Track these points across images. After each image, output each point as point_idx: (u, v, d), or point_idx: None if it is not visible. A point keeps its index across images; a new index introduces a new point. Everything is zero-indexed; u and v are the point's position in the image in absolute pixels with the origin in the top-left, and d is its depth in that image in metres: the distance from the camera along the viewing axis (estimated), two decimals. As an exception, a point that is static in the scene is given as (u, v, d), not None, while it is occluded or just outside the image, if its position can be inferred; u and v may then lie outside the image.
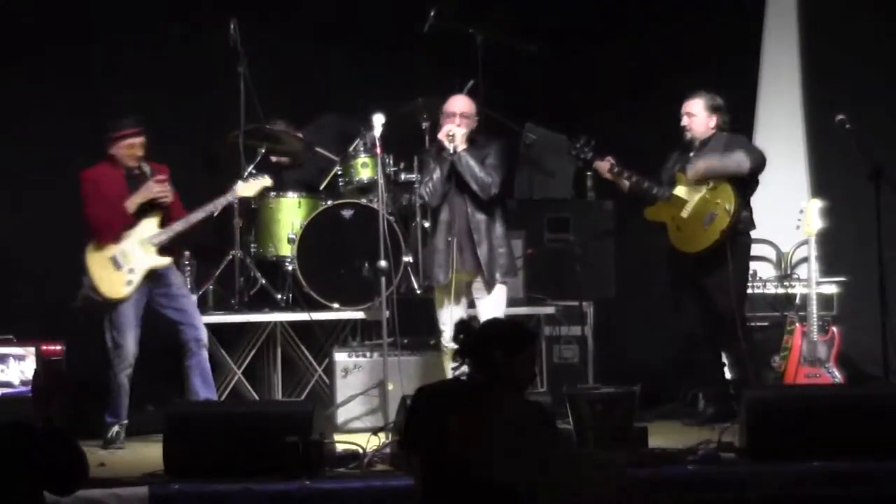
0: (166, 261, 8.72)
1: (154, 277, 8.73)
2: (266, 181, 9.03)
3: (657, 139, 9.56)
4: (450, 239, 8.55)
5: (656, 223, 9.03)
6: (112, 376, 8.65)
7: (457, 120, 8.59)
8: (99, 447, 8.43)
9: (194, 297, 9.11)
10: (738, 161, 8.72)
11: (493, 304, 8.62)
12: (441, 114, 8.74)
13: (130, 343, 8.65)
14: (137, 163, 8.74)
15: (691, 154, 8.97)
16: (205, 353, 8.78)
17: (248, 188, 9.00)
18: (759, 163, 8.79)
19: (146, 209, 8.70)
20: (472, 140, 8.64)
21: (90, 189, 8.69)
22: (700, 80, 9.43)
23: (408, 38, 10.30)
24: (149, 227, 8.71)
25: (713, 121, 8.93)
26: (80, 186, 8.70)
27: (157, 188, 8.68)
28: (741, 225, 8.79)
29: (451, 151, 8.51)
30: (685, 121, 8.97)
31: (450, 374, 8.22)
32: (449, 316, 8.55)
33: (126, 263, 8.63)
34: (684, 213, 8.81)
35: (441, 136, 8.60)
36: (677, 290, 9.03)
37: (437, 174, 8.60)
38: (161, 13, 10.17)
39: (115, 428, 8.64)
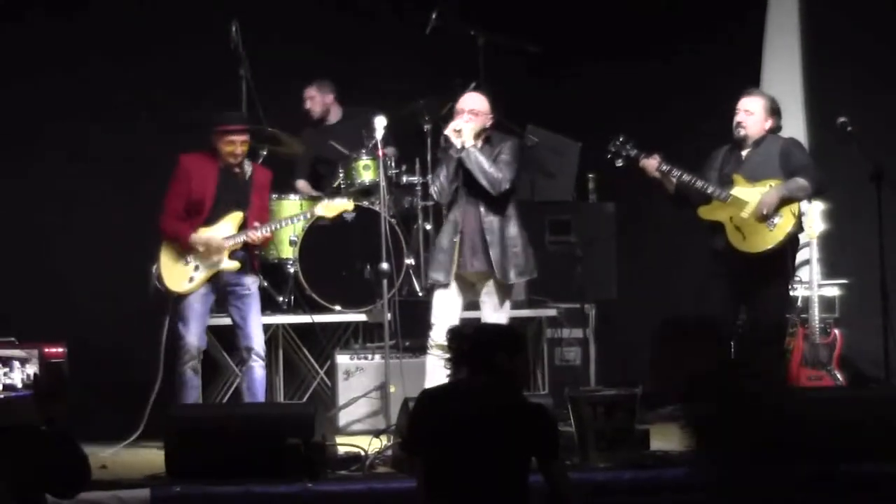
0: (234, 265, 8.55)
1: (231, 275, 8.63)
2: (348, 204, 8.84)
3: (659, 140, 9.56)
4: (455, 239, 8.37)
5: (709, 223, 8.74)
6: (176, 369, 8.56)
7: (465, 116, 8.38)
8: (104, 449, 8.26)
9: (258, 307, 8.83)
10: (804, 188, 8.58)
11: (499, 308, 8.44)
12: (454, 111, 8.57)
13: (193, 336, 8.53)
14: (237, 161, 8.59)
15: (743, 154, 8.81)
16: (256, 363, 8.63)
17: (329, 209, 8.81)
18: (822, 186, 8.71)
19: (228, 208, 8.59)
20: (487, 138, 8.45)
21: (180, 176, 8.60)
22: (703, 82, 9.44)
23: (409, 40, 10.31)
24: (226, 228, 8.58)
25: (769, 122, 8.73)
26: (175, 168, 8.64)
27: (253, 237, 8.59)
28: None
29: (459, 147, 8.32)
30: (741, 117, 8.69)
31: (435, 373, 8.25)
32: (444, 315, 8.36)
33: (193, 260, 8.55)
34: (745, 214, 8.62)
35: (447, 131, 8.37)
36: (713, 286, 8.88)
37: (444, 171, 8.39)
38: (164, 15, 10.18)
39: None
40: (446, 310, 8.42)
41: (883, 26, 10.48)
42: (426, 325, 8.55)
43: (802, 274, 9.94)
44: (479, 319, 8.40)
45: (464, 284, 8.45)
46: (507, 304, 8.52)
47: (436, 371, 8.36)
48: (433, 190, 8.54)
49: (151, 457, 7.95)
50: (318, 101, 10.28)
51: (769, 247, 8.59)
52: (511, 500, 5.37)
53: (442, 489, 5.37)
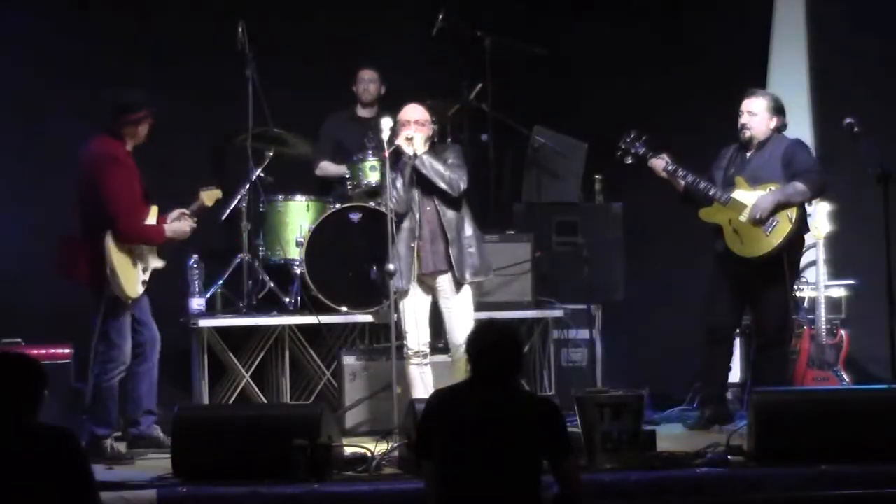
0: (163, 262, 8.41)
1: None
2: (216, 193, 8.77)
3: (663, 142, 9.56)
4: (413, 245, 8.59)
5: (711, 225, 8.83)
6: (103, 381, 8.16)
7: (412, 126, 8.60)
8: (104, 466, 7.83)
9: None
10: (802, 192, 8.62)
11: (462, 307, 8.62)
12: (396, 123, 8.67)
13: (128, 345, 8.22)
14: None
15: (747, 155, 8.88)
16: (157, 357, 8.47)
17: (207, 197, 8.69)
18: (821, 190, 8.76)
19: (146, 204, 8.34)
20: (431, 146, 8.65)
21: (130, 171, 8.16)
22: (709, 83, 9.43)
23: (416, 41, 10.32)
24: (153, 219, 8.40)
25: (773, 122, 8.79)
26: (111, 177, 8.13)
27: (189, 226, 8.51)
28: (800, 231, 8.76)
29: (412, 155, 8.53)
30: (745, 118, 8.78)
31: (421, 380, 8.59)
32: (413, 322, 8.63)
33: (141, 262, 8.26)
34: (743, 217, 8.68)
35: (399, 140, 8.56)
36: (716, 287, 8.92)
37: (399, 181, 8.60)
38: (169, 16, 10.19)
39: (109, 441, 8.11)
40: (415, 315, 8.65)
41: (889, 26, 10.48)
42: (433, 326, 8.64)
43: (809, 275, 9.94)
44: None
45: (424, 287, 8.67)
46: (470, 303, 8.71)
47: (421, 378, 8.66)
48: (390, 201, 8.57)
49: (158, 457, 7.95)
50: (376, 87, 10.26)
51: (764, 252, 8.63)
52: (524, 502, 5.37)
53: (453, 491, 5.37)
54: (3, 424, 5.02)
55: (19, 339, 8.96)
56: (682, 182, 8.84)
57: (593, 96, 10.63)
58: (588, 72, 10.64)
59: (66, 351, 8.99)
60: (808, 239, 9.44)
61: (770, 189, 8.63)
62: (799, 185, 8.62)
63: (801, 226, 8.74)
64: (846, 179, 10.07)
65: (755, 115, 8.79)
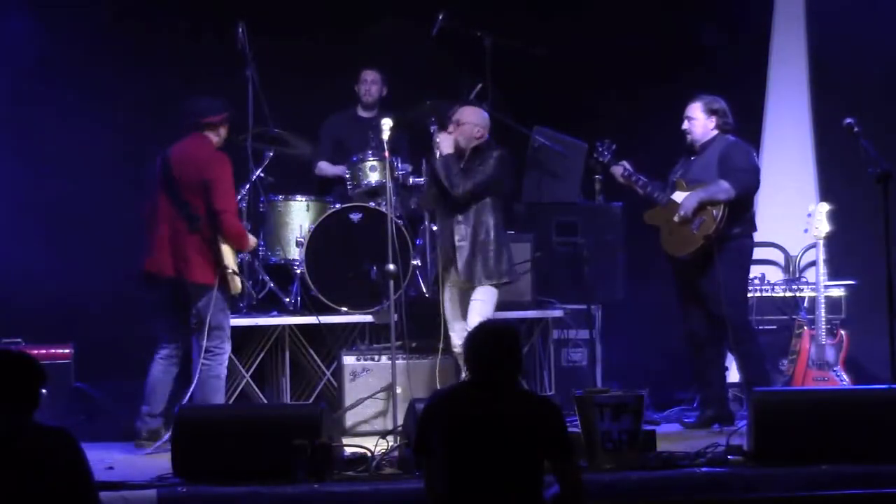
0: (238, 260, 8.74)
1: None
2: None
3: (663, 142, 9.57)
4: (438, 249, 8.79)
5: (653, 227, 9.05)
6: (219, 370, 8.48)
7: (450, 127, 8.72)
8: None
9: None
10: (725, 190, 8.73)
11: (476, 309, 8.62)
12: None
13: None
14: None
15: (692, 158, 8.99)
16: None
17: None
18: (747, 188, 8.84)
19: None
20: (476, 149, 8.71)
21: (231, 173, 8.55)
22: (708, 84, 9.43)
23: (416, 41, 10.32)
24: None
25: (712, 123, 8.93)
26: (223, 172, 8.40)
27: None
28: (737, 229, 8.80)
29: (437, 156, 8.64)
30: (685, 125, 9.00)
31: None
32: (450, 317, 8.79)
33: (236, 259, 8.59)
34: (676, 218, 8.82)
35: (437, 138, 8.76)
36: (680, 291, 9.05)
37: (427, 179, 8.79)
38: (169, 17, 10.20)
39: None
40: (452, 314, 8.80)
41: (890, 26, 10.48)
42: (433, 327, 8.68)
43: (809, 275, 9.94)
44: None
45: (454, 286, 8.79)
46: (484, 306, 8.68)
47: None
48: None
49: (158, 457, 7.95)
50: (378, 88, 10.28)
51: (689, 251, 8.74)
52: (530, 499, 5.37)
53: (454, 491, 5.37)
54: (3, 424, 5.03)
55: (19, 339, 8.97)
56: (638, 188, 9.04)
57: (593, 97, 10.64)
58: (588, 72, 10.64)
59: (66, 351, 9.00)
60: (808, 239, 9.47)
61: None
62: (723, 184, 8.75)
63: (730, 223, 8.78)
64: (846, 179, 10.08)
65: (693, 119, 8.99)
